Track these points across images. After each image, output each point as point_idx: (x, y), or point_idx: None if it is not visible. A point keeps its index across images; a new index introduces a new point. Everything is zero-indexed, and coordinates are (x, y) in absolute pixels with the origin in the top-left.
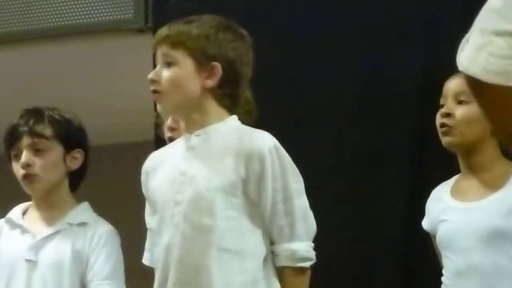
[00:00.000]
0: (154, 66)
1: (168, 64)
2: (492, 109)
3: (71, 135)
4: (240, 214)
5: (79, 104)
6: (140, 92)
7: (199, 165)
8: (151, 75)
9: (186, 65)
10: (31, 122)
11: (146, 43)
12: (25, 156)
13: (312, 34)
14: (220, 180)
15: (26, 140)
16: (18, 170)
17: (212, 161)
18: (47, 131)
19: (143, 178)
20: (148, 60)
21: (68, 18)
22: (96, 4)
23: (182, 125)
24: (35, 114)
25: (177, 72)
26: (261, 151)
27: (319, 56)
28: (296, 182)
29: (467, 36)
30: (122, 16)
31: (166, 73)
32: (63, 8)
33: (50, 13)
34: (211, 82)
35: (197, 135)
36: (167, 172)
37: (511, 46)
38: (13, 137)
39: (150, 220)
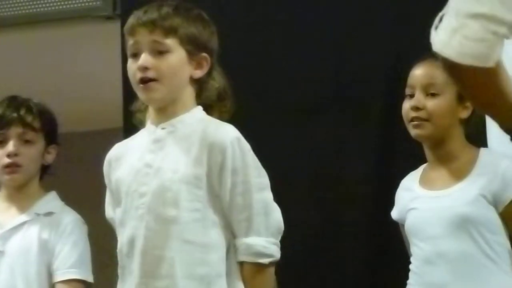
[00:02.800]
0: (123, 52)
1: (160, 53)
2: (470, 88)
3: (53, 130)
4: (204, 206)
5: (48, 91)
6: (108, 79)
7: (164, 157)
8: (144, 62)
9: (179, 53)
10: (21, 111)
11: (114, 31)
12: (14, 145)
13: (277, 24)
14: (185, 171)
15: (15, 129)
16: (0, 157)
17: (178, 152)
18: (36, 123)
19: (105, 168)
20: (116, 47)
21: (36, 5)
22: None
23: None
24: (23, 104)
25: (175, 60)
26: (223, 143)
27: (284, 46)
28: (258, 176)
29: (440, 14)
30: (91, 4)
31: (164, 61)
32: None
33: (18, 0)
34: (199, 73)
35: (163, 128)
36: (132, 163)
37: (485, 29)
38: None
39: (110, 210)
